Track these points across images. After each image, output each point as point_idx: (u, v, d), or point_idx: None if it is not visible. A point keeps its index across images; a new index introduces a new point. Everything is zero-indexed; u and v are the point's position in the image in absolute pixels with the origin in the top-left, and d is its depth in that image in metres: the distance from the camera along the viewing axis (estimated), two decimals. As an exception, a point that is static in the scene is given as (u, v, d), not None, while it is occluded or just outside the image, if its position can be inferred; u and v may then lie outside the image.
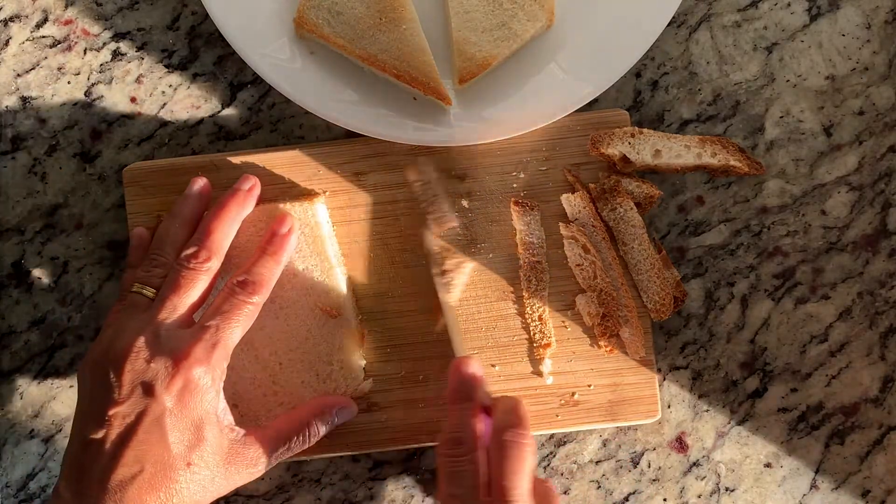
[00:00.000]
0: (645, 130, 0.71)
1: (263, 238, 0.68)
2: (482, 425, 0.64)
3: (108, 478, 0.60)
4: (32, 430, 0.74)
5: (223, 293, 0.65)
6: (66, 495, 0.61)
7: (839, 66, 0.74)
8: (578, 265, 0.71)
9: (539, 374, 0.71)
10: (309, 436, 0.67)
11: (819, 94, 0.74)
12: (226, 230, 0.67)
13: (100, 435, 0.61)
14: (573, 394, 0.71)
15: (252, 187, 0.69)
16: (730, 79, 0.74)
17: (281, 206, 0.70)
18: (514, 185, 0.72)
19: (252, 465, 0.65)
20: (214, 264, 0.66)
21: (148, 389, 0.61)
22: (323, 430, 0.68)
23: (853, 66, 0.74)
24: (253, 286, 0.66)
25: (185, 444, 0.62)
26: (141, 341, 0.62)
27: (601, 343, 0.71)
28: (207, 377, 0.63)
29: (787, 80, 0.74)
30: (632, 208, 0.71)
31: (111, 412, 0.61)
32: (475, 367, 0.66)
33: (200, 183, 0.70)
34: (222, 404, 0.65)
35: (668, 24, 0.71)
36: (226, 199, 0.68)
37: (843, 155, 0.74)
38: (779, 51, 0.74)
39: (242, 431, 0.65)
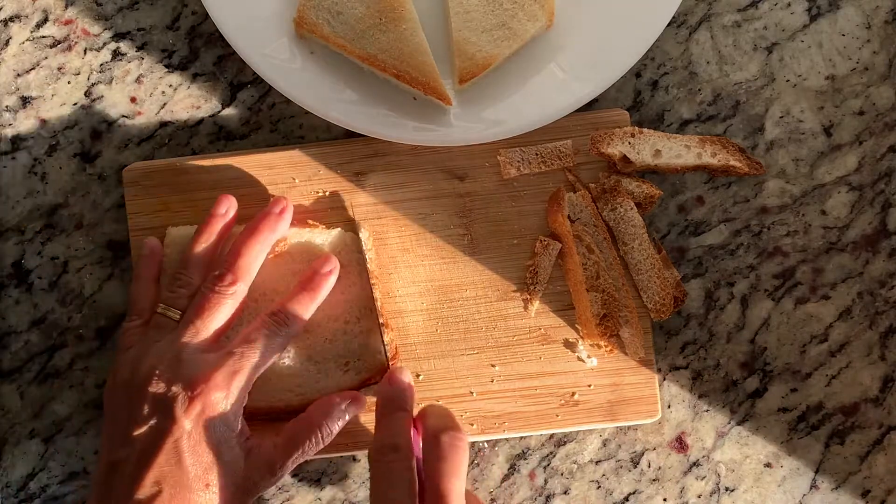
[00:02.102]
0: (645, 130, 0.71)
1: (304, 275, 0.69)
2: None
3: (130, 498, 0.61)
4: (32, 430, 0.74)
5: (255, 323, 0.66)
6: None
7: (839, 66, 0.74)
8: (583, 265, 0.71)
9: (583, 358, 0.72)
10: (322, 437, 0.67)
11: (819, 94, 0.74)
12: (255, 254, 0.67)
13: (122, 455, 0.62)
14: (573, 394, 0.71)
15: (283, 210, 0.69)
16: (730, 79, 0.74)
17: (318, 232, 0.71)
18: (515, 185, 0.72)
19: (269, 475, 0.65)
20: (241, 288, 0.66)
21: (167, 412, 0.62)
22: (336, 428, 0.68)
23: (853, 66, 0.74)
24: (285, 319, 0.66)
25: (203, 466, 0.62)
26: (164, 365, 0.63)
27: (601, 343, 0.71)
28: (226, 402, 0.63)
29: (787, 80, 0.74)
30: (632, 208, 0.71)
31: (133, 434, 0.62)
32: (408, 377, 0.67)
33: (227, 203, 0.69)
34: (241, 424, 0.65)
35: (668, 24, 0.71)
36: (256, 223, 0.68)
37: (843, 155, 0.74)
38: (779, 51, 0.74)
39: (256, 442, 0.66)
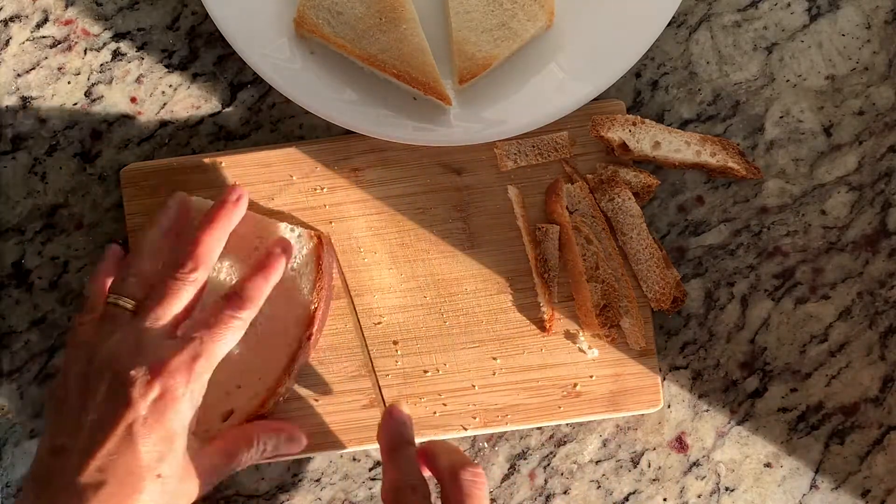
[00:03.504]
0: (647, 121, 0.71)
1: (257, 258, 0.68)
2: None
3: (72, 485, 0.59)
4: (32, 430, 0.74)
5: (211, 307, 0.65)
6: (30, 501, 0.60)
7: (839, 66, 0.74)
8: (582, 256, 0.71)
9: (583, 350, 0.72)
10: (258, 452, 0.67)
11: (819, 94, 0.74)
12: (213, 242, 0.66)
13: (68, 442, 0.60)
14: (575, 385, 0.72)
15: (239, 198, 0.68)
16: (730, 79, 0.74)
17: (278, 225, 0.70)
18: (512, 177, 0.72)
19: (208, 477, 0.64)
20: (201, 276, 0.65)
21: (123, 397, 0.60)
22: (270, 448, 0.67)
23: (853, 66, 0.74)
24: (241, 302, 0.65)
25: (156, 455, 0.60)
26: (123, 351, 0.61)
27: (601, 333, 0.71)
28: (186, 389, 0.61)
29: (787, 80, 0.74)
30: (630, 198, 0.71)
31: (83, 419, 0.60)
32: (407, 409, 0.65)
33: (179, 196, 0.69)
34: (193, 418, 0.63)
35: (668, 24, 0.71)
36: (215, 211, 0.67)
37: (843, 155, 0.74)
38: (779, 51, 0.74)
39: (196, 444, 0.64)
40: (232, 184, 0.70)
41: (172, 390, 0.61)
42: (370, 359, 0.70)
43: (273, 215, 0.72)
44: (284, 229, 0.70)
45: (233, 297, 0.65)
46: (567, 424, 0.73)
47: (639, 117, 0.71)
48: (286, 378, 0.69)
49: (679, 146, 0.71)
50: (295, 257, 0.70)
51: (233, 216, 0.67)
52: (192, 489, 0.63)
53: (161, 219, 0.68)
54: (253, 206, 0.72)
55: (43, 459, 0.61)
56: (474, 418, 0.72)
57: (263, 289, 0.66)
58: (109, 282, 0.67)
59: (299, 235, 0.70)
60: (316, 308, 0.69)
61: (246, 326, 0.65)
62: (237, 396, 0.69)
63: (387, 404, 0.66)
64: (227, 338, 0.64)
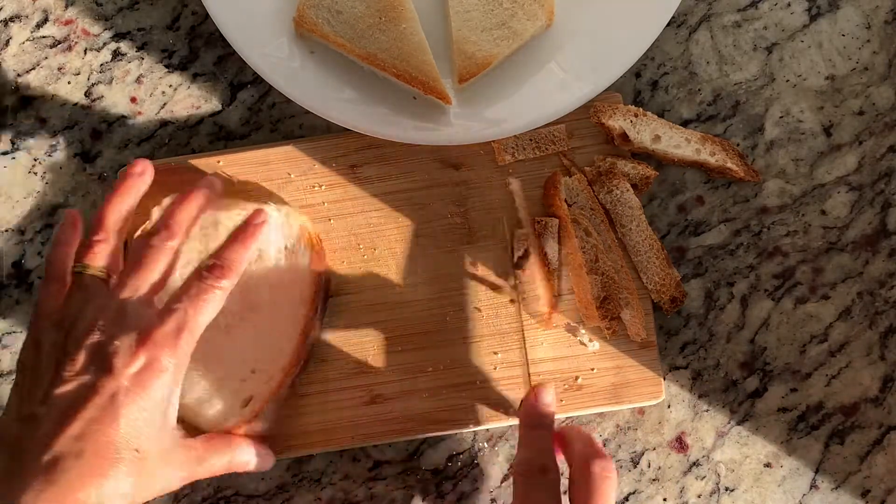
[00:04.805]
0: (649, 113, 0.71)
1: (237, 227, 0.67)
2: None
3: (45, 453, 0.56)
4: (32, 429, 0.74)
5: (191, 277, 0.63)
6: None
7: (839, 66, 0.74)
8: (581, 248, 0.71)
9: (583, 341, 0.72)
10: (234, 459, 0.66)
11: (819, 94, 0.74)
12: (187, 212, 0.65)
13: (41, 411, 0.57)
14: (577, 378, 0.71)
15: (215, 180, 0.69)
16: (730, 79, 0.74)
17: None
18: (510, 171, 0.72)
19: (180, 470, 0.63)
20: (175, 244, 0.64)
21: (106, 365, 0.58)
22: (247, 460, 0.67)
23: (853, 66, 0.74)
24: (221, 270, 0.63)
25: (136, 427, 0.58)
26: (105, 319, 0.60)
27: (602, 326, 0.71)
28: (171, 361, 0.60)
29: (787, 80, 0.74)
30: (628, 190, 0.71)
31: (58, 388, 0.58)
32: (552, 396, 0.67)
33: (143, 164, 0.67)
34: (175, 397, 0.61)
35: (668, 24, 0.72)
36: (188, 190, 0.67)
37: (843, 155, 0.74)
38: (779, 51, 0.74)
39: (180, 433, 0.63)
40: (213, 173, 0.71)
41: (157, 361, 0.59)
42: (524, 341, 0.71)
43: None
44: (271, 209, 0.69)
45: (213, 267, 0.63)
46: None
47: (641, 109, 0.71)
48: (299, 359, 0.69)
49: (679, 142, 0.71)
50: (287, 237, 0.70)
51: (203, 192, 0.67)
52: (169, 477, 0.62)
53: (125, 186, 0.66)
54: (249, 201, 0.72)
55: (10, 428, 0.59)
56: (477, 413, 0.72)
57: (243, 255, 0.65)
58: (70, 250, 0.66)
59: (287, 214, 0.70)
60: (317, 284, 0.69)
61: (226, 295, 0.64)
62: (253, 382, 0.68)
63: (532, 384, 0.68)
64: (210, 308, 0.62)
